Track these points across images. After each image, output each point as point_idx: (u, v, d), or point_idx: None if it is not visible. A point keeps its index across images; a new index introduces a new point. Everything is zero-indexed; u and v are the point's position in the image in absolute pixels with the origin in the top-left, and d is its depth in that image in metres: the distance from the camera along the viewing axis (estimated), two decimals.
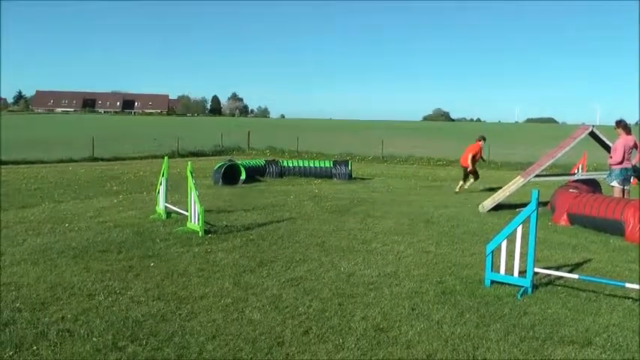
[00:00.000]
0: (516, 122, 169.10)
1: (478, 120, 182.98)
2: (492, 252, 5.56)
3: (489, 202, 10.52)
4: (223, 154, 27.37)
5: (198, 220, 7.72)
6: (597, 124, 11.46)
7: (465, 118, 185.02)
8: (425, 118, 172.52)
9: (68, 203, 10.73)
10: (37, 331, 4.17)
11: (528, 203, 5.36)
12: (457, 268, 6.29)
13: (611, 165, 9.90)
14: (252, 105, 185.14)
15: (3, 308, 4.64)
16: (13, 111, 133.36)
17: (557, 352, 4.01)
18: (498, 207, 10.48)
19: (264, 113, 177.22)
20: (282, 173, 16.97)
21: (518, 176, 10.89)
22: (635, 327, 4.53)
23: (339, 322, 4.51)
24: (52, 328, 4.22)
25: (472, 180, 14.15)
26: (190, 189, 8.05)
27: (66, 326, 4.28)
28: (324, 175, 16.86)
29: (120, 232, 7.80)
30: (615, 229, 8.16)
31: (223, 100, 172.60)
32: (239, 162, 15.97)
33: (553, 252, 7.17)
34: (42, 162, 20.99)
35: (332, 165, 17.06)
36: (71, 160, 22.12)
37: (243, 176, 15.00)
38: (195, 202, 7.84)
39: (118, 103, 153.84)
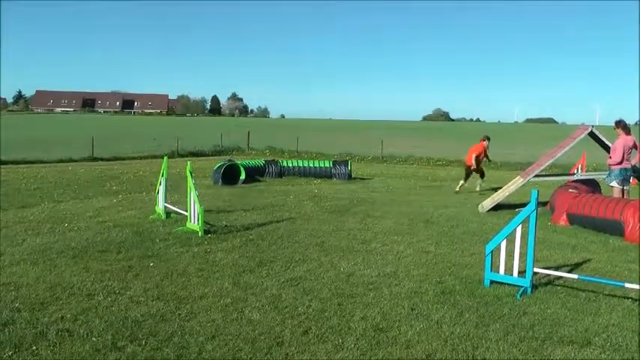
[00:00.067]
0: (516, 122, 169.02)
1: (478, 120, 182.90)
2: (492, 252, 5.56)
3: (489, 202, 10.52)
4: (223, 154, 27.37)
5: (198, 220, 7.72)
6: (597, 124, 11.46)
7: (464, 118, 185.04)
8: (424, 118, 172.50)
9: (68, 203, 10.73)
10: (36, 331, 4.17)
11: (528, 203, 5.37)
12: (457, 268, 6.29)
13: (610, 165, 9.90)
14: (252, 105, 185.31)
15: (2, 308, 4.64)
16: (12, 111, 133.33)
17: (556, 352, 4.02)
18: (498, 207, 10.48)
19: (263, 113, 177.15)
20: (282, 173, 16.97)
21: (518, 176, 10.89)
22: (635, 327, 4.53)
23: (338, 322, 4.51)
24: (52, 328, 4.22)
25: (480, 180, 14.19)
26: (190, 189, 8.05)
27: (65, 326, 4.28)
28: (324, 175, 16.85)
29: (119, 232, 7.80)
30: (615, 229, 8.17)
31: (223, 100, 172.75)
32: (239, 162, 15.96)
33: (552, 252, 7.17)
34: (41, 162, 20.98)
35: (332, 165, 17.05)
36: (71, 160, 22.12)
37: (242, 176, 15.00)
38: (194, 202, 7.84)
39: (118, 103, 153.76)
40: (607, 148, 10.44)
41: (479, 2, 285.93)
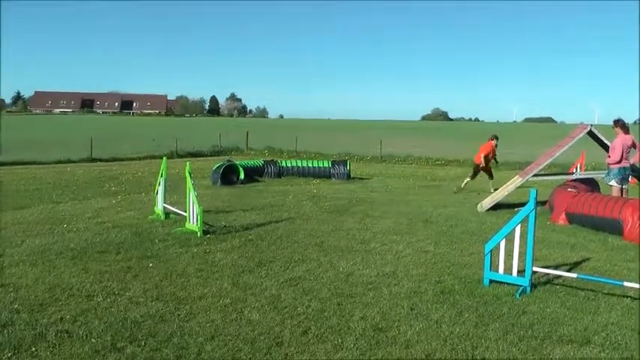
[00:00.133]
0: (515, 122, 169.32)
1: (476, 120, 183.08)
2: (491, 251, 5.56)
3: (488, 202, 10.52)
4: (222, 155, 27.36)
5: (197, 220, 7.72)
6: (595, 123, 11.47)
7: (463, 118, 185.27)
8: (423, 118, 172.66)
9: (66, 204, 10.72)
10: (35, 332, 4.17)
11: (527, 203, 5.37)
12: (456, 267, 6.29)
13: (609, 164, 9.91)
14: (251, 105, 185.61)
15: (1, 309, 4.63)
16: (11, 112, 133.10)
17: (555, 351, 4.02)
18: (497, 206, 10.48)
19: (262, 113, 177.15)
20: (281, 173, 16.96)
21: (517, 175, 10.90)
22: (634, 325, 4.53)
23: (337, 322, 4.51)
24: (51, 330, 4.21)
25: (489, 180, 14.21)
26: (189, 189, 8.04)
27: (65, 327, 4.28)
28: (323, 175, 16.85)
29: (118, 233, 7.79)
30: (614, 228, 8.17)
31: (221, 101, 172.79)
32: (237, 162, 15.96)
33: (551, 251, 7.17)
34: (40, 163, 20.96)
35: (330, 165, 17.05)
36: (69, 161, 22.10)
37: (241, 176, 14.99)
38: (193, 203, 7.84)
39: (117, 104, 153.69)
40: (606, 147, 10.44)
41: (479, 2, 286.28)
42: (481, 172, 14.15)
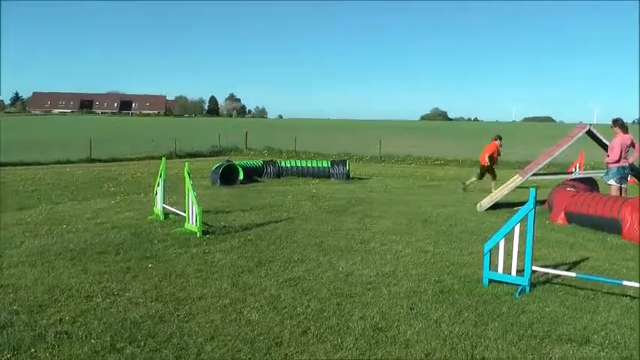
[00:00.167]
0: (514, 121, 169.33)
1: (476, 119, 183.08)
2: (490, 251, 5.56)
3: (487, 201, 10.53)
4: (221, 155, 27.36)
5: (196, 220, 7.72)
6: (594, 122, 11.47)
7: (462, 118, 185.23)
8: (422, 118, 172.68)
9: (66, 205, 10.71)
10: (34, 333, 4.16)
11: (526, 202, 5.37)
12: (455, 267, 6.29)
13: (608, 163, 9.92)
14: (250, 105, 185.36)
15: (0, 311, 4.63)
16: (10, 112, 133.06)
17: (555, 350, 4.02)
18: (496, 206, 10.49)
19: (261, 113, 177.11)
20: (280, 173, 16.97)
21: (516, 175, 10.90)
22: (633, 324, 4.53)
23: (337, 322, 4.51)
24: (50, 331, 4.21)
25: (493, 182, 14.20)
26: (188, 190, 8.04)
27: (64, 328, 4.27)
28: (322, 175, 16.86)
29: (117, 234, 7.79)
30: (613, 227, 8.18)
31: (221, 101, 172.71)
32: (237, 162, 15.96)
33: (551, 250, 7.18)
34: (39, 163, 20.96)
35: (330, 165, 17.06)
36: (68, 162, 22.11)
37: (240, 176, 14.99)
38: (192, 203, 7.83)
39: (116, 104, 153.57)
40: (605, 147, 10.45)
41: (478, 2, 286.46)
42: (487, 173, 14.17)
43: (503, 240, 5.53)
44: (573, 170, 13.89)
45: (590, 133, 10.60)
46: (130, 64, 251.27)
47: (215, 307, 4.83)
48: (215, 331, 4.27)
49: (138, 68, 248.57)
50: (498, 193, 10.62)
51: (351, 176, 16.97)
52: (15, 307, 4.71)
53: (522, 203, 6.55)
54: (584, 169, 14.78)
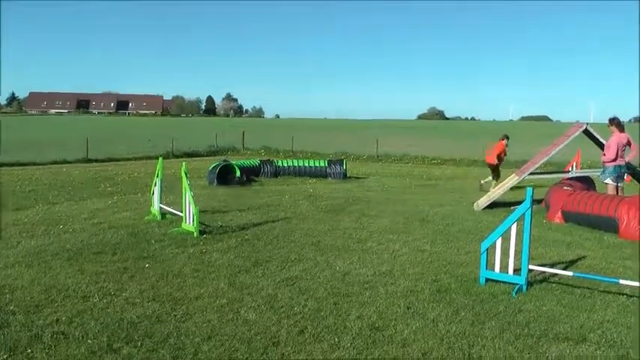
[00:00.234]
0: (511, 120, 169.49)
1: (473, 119, 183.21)
2: (487, 250, 5.57)
3: (484, 200, 10.54)
4: (218, 155, 27.34)
5: (193, 220, 7.71)
6: (591, 121, 11.52)
7: (459, 117, 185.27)
8: (420, 117, 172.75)
9: (62, 205, 10.69)
10: (31, 333, 4.15)
11: (523, 201, 5.38)
12: (452, 266, 6.30)
13: (604, 162, 9.94)
14: (247, 105, 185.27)
15: None
16: (6, 113, 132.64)
17: (552, 349, 4.03)
18: (493, 205, 10.51)
19: (258, 113, 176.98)
20: (277, 173, 16.96)
21: (513, 174, 10.92)
22: (630, 323, 4.55)
23: (334, 322, 4.51)
24: (47, 331, 4.20)
25: (494, 181, 14.22)
26: (185, 190, 8.03)
27: (60, 329, 4.26)
28: (319, 174, 16.85)
29: (114, 234, 7.77)
30: (609, 226, 8.20)
31: (218, 101, 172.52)
32: (234, 162, 15.94)
33: (547, 249, 7.19)
34: (36, 164, 20.91)
35: (327, 164, 17.06)
36: (65, 162, 22.05)
37: (237, 174, 14.97)
38: (189, 203, 7.82)
39: (112, 104, 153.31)
40: (601, 146, 10.47)
41: (477, 2, 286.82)
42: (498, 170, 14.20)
43: (500, 239, 5.53)
44: (570, 169, 13.92)
45: (586, 132, 10.63)
46: (126, 64, 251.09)
47: (212, 306, 4.83)
48: (212, 331, 4.27)
49: (135, 68, 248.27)
50: (495, 193, 10.64)
51: (348, 176, 16.97)
52: (11, 308, 4.70)
53: (519, 202, 6.56)
54: (581, 168, 14.82)
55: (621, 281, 5.13)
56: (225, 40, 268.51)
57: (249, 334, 4.23)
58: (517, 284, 5.38)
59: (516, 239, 5.46)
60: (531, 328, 4.41)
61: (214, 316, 4.59)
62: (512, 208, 9.53)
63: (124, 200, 11.34)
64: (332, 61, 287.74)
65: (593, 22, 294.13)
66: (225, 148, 29.92)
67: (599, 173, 10.30)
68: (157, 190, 9.03)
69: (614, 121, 9.98)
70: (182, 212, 8.17)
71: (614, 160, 9.73)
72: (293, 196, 11.99)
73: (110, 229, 8.14)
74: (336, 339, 4.15)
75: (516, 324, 4.51)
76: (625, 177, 10.27)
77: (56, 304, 4.82)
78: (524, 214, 5.33)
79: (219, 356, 3.86)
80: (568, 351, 4.01)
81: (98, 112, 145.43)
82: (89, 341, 4.03)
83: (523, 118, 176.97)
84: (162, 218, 8.89)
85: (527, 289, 5.37)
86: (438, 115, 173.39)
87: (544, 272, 5.74)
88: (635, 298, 5.15)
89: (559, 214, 9.27)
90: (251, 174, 16.31)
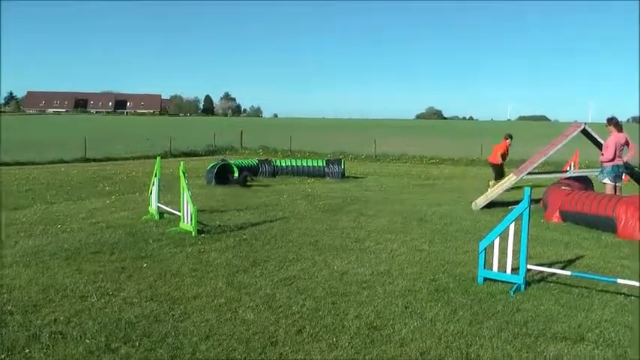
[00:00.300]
0: (509, 120, 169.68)
1: (470, 118, 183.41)
2: (485, 249, 5.57)
3: (482, 200, 10.55)
4: (216, 154, 27.32)
5: (191, 220, 7.70)
6: (589, 121, 11.54)
7: (457, 117, 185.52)
8: (418, 117, 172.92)
9: (60, 204, 10.67)
10: (29, 333, 4.14)
11: (521, 201, 5.38)
12: (450, 265, 6.30)
13: (602, 162, 9.96)
14: (245, 104, 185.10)
15: None
16: (4, 112, 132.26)
17: (550, 348, 4.03)
18: (491, 205, 10.51)
19: (256, 113, 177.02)
20: (275, 173, 16.95)
21: (511, 174, 10.93)
22: (627, 322, 4.55)
23: (332, 321, 4.51)
24: (45, 331, 4.19)
25: (493, 181, 14.23)
26: (183, 189, 8.02)
27: (58, 328, 4.25)
28: (317, 174, 16.86)
29: (112, 233, 7.76)
30: (607, 225, 8.21)
31: (216, 100, 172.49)
32: (232, 161, 15.93)
33: (545, 249, 7.20)
34: (33, 163, 20.87)
35: (325, 164, 17.06)
36: (63, 161, 22.02)
37: (236, 174, 14.96)
38: (188, 202, 7.82)
39: (110, 104, 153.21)
40: (599, 146, 10.49)
41: (477, 2, 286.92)
42: (490, 169, 14.22)
43: (498, 238, 5.54)
44: (568, 169, 13.95)
45: (585, 132, 10.64)
46: (125, 63, 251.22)
47: (210, 306, 4.82)
48: (210, 331, 4.27)
49: (133, 67, 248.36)
50: (493, 192, 10.65)
51: (346, 175, 16.97)
52: (9, 308, 4.69)
53: (517, 202, 6.56)
54: (579, 168, 14.85)
55: (619, 280, 5.13)
56: (224, 40, 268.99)
57: (247, 333, 4.23)
58: (515, 284, 5.38)
59: (514, 239, 5.46)
60: (529, 328, 4.41)
61: (212, 316, 4.58)
62: (510, 207, 9.54)
63: (122, 200, 11.33)
64: (330, 60, 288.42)
65: (591, 22, 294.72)
66: (224, 148, 29.91)
67: (597, 173, 10.32)
68: (155, 189, 9.02)
69: (613, 121, 9.99)
70: (180, 212, 8.17)
71: (612, 159, 9.74)
72: (291, 196, 11.99)
73: (108, 228, 8.13)
74: (334, 338, 4.15)
75: (514, 323, 4.51)
76: (623, 177, 10.29)
77: (54, 304, 4.81)
78: (522, 213, 5.34)
79: (217, 356, 3.85)
80: (566, 350, 4.01)
81: (96, 112, 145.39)
82: (87, 341, 4.03)
83: (521, 118, 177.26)
84: (160, 218, 8.88)
85: (525, 288, 5.38)
86: (436, 114, 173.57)
87: (542, 272, 5.74)
88: (633, 298, 5.16)
89: (557, 213, 9.28)
90: (249, 173, 16.30)
